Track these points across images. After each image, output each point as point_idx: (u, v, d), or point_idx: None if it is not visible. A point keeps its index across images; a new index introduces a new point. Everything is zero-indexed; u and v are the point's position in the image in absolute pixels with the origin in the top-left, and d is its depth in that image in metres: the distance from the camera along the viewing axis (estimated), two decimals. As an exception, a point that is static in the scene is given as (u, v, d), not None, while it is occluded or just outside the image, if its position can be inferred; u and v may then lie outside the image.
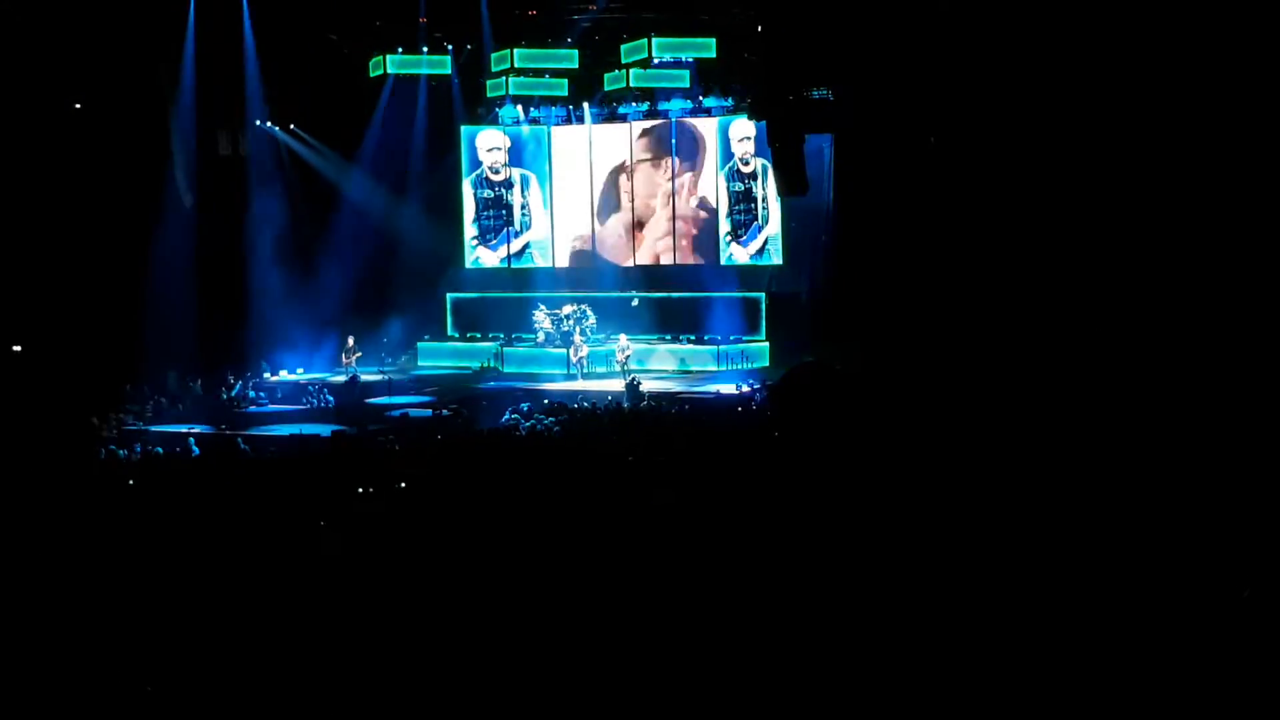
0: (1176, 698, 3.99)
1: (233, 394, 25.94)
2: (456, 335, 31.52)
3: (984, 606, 4.83)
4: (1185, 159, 16.21)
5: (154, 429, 22.54)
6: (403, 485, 12.90)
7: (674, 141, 30.71)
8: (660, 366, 28.56)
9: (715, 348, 28.61)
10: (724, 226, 30.40)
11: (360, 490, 12.54)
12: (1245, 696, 3.91)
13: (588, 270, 31.69)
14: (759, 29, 24.88)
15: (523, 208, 32.17)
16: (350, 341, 28.45)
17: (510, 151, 32.04)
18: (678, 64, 28.76)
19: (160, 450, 19.31)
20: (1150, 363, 13.98)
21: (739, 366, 27.89)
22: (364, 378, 27.13)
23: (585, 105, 31.04)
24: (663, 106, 30.40)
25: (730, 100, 29.60)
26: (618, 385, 25.36)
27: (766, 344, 28.59)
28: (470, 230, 32.38)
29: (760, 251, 30.04)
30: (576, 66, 29.54)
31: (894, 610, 5.04)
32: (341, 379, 26.71)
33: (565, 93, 30.61)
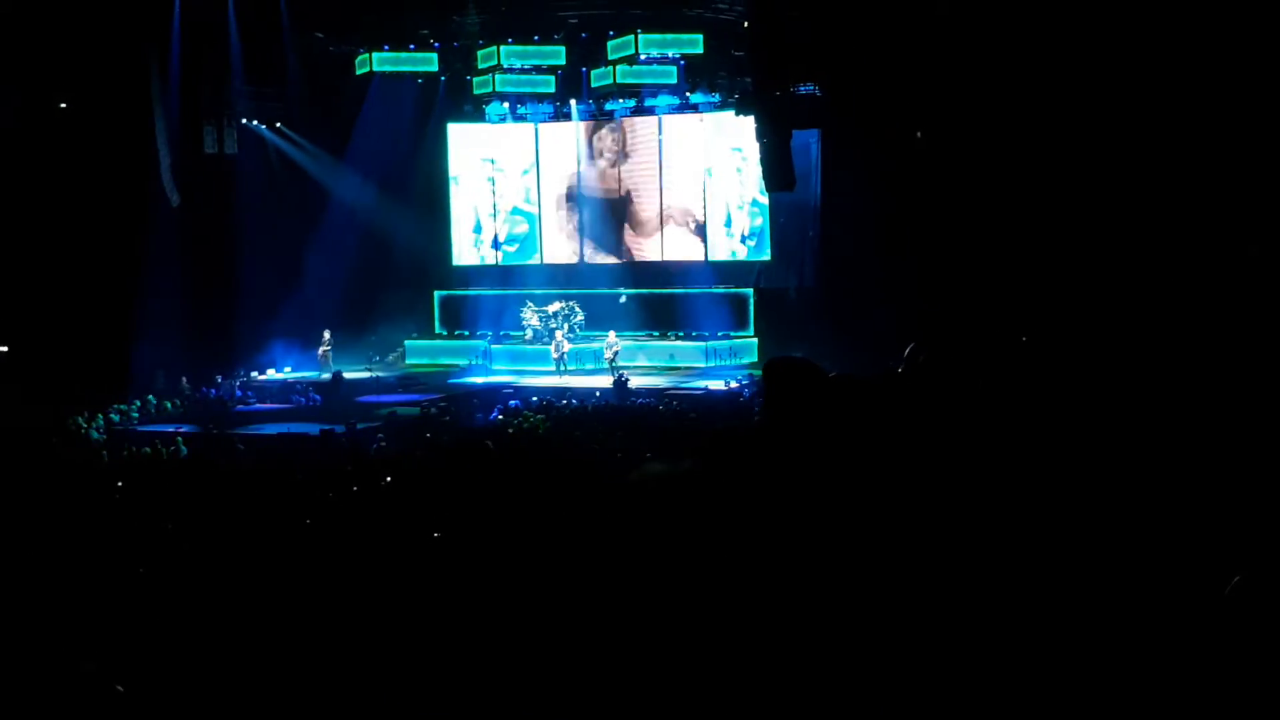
0: (1176, 697, 3.99)
1: (220, 393, 25.89)
2: (444, 332, 31.49)
3: (981, 608, 4.84)
4: (1177, 154, 16.25)
5: (142, 429, 22.49)
6: (388, 480, 12.87)
7: (661, 138, 30.71)
8: (649, 363, 28.55)
9: (704, 344, 28.61)
10: (711, 222, 30.41)
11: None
12: (1245, 696, 3.92)
13: (575, 267, 31.69)
14: (746, 25, 24.88)
15: (516, 209, 32.22)
16: (326, 335, 28.35)
17: (496, 149, 32.08)
18: (665, 60, 28.75)
19: (148, 450, 19.26)
20: (1143, 359, 14.00)
21: (727, 362, 27.90)
22: (351, 375, 27.09)
23: (572, 102, 31.01)
24: (649, 103, 30.39)
25: (717, 96, 29.59)
26: (606, 382, 25.36)
27: (755, 339, 28.60)
28: (458, 227, 32.41)
29: (749, 247, 30.05)
30: (564, 63, 29.52)
31: (892, 609, 5.04)
32: (327, 377, 26.65)
33: (552, 89, 30.58)
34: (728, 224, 30.30)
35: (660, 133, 30.69)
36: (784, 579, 4.09)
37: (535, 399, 23.64)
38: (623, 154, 31.21)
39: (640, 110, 30.62)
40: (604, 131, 31.38)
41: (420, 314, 31.49)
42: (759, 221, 29.84)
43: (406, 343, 30.79)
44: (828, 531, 4.18)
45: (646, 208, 31.16)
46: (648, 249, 31.18)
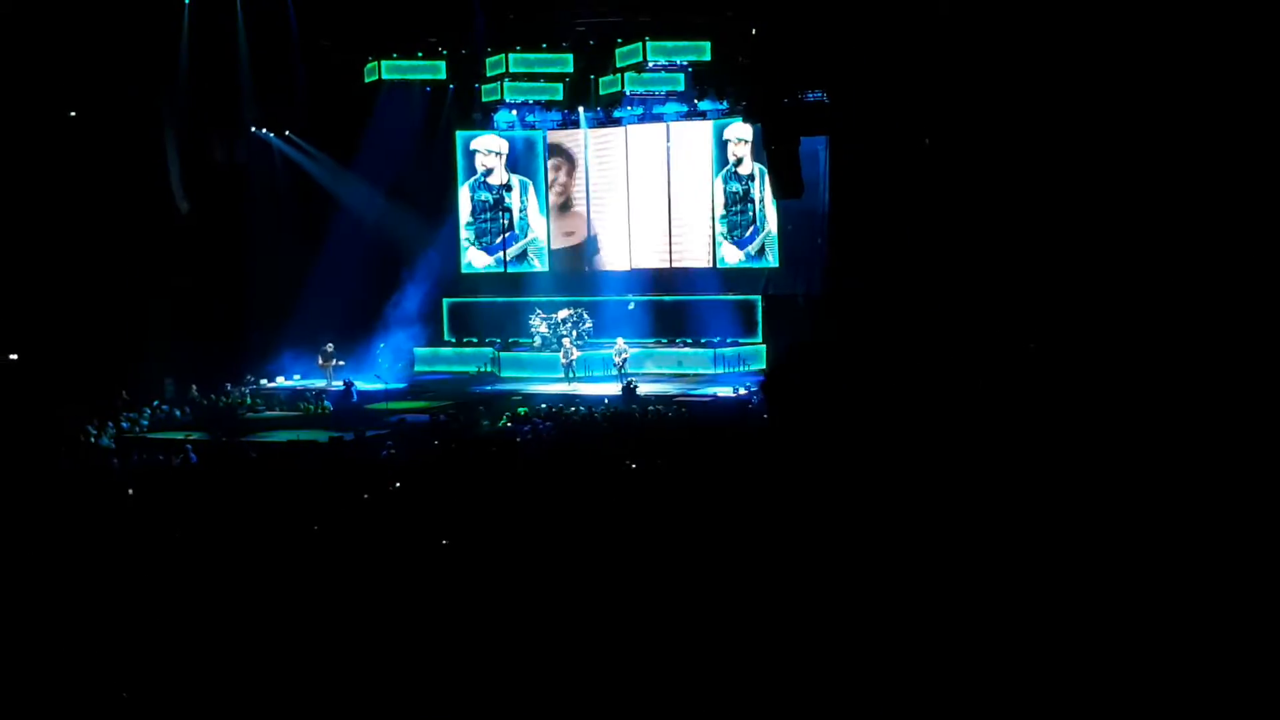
0: (1176, 698, 3.99)
1: (230, 401, 25.92)
2: (453, 340, 31.52)
3: (979, 602, 4.83)
4: (1183, 159, 16.23)
5: (152, 436, 22.51)
6: (397, 485, 12.91)
7: (668, 145, 30.73)
8: (657, 369, 28.57)
9: (712, 350, 28.62)
10: (720, 229, 30.42)
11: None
12: (1245, 696, 3.92)
13: (584, 274, 31.71)
14: (753, 32, 24.88)
15: (521, 212, 32.20)
16: (330, 348, 28.27)
17: (506, 156, 32.08)
18: (672, 67, 28.79)
19: (160, 458, 19.29)
20: (1146, 363, 14.01)
21: (736, 369, 27.92)
22: (360, 384, 27.08)
23: (580, 109, 31.06)
24: (657, 110, 30.43)
25: (725, 103, 29.62)
26: (614, 389, 25.36)
27: (763, 346, 28.62)
28: (466, 235, 32.45)
29: (757, 254, 30.07)
30: (571, 70, 29.58)
31: (890, 603, 5.04)
32: (339, 384, 26.64)
33: (560, 97, 30.66)
34: (737, 230, 30.29)
35: (668, 139, 30.70)
36: (778, 580, 4.11)
37: (543, 406, 23.65)
38: (629, 160, 31.22)
39: (648, 117, 30.65)
40: (611, 138, 31.39)
41: (429, 321, 31.51)
42: (768, 229, 29.83)
43: (415, 350, 30.82)
44: (823, 533, 4.20)
45: (653, 214, 31.15)
46: (656, 256, 31.18)
